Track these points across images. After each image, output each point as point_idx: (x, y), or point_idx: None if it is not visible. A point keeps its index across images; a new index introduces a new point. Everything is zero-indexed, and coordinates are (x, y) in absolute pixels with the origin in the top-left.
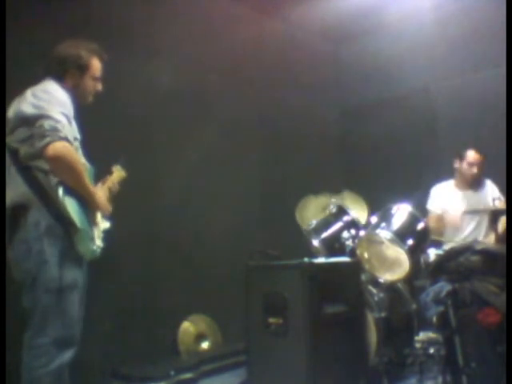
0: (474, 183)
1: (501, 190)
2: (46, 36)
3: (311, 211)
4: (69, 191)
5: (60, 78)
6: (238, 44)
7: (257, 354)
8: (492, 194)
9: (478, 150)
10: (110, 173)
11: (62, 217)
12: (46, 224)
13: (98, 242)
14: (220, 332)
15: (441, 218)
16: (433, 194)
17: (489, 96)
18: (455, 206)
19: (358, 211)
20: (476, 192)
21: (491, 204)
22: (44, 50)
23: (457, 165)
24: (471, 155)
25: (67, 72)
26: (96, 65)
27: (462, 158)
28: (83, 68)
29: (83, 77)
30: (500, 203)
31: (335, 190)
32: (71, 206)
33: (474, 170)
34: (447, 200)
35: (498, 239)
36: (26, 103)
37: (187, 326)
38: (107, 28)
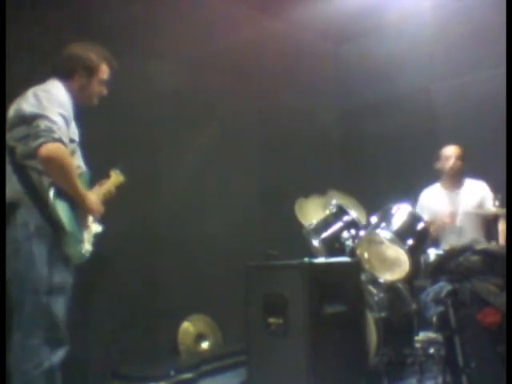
0: (454, 178)
1: (500, 190)
2: (46, 36)
3: (310, 211)
4: (61, 193)
5: (66, 78)
6: (238, 44)
7: (257, 354)
8: (476, 193)
9: (456, 144)
10: (108, 176)
11: (51, 218)
12: (36, 224)
13: (88, 246)
14: (220, 332)
15: (432, 223)
16: (420, 199)
17: (489, 96)
18: (442, 207)
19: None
20: (456, 191)
21: (471, 203)
22: (44, 50)
23: (437, 166)
24: (446, 149)
25: (75, 72)
26: (104, 70)
27: (439, 157)
28: (92, 71)
29: (90, 79)
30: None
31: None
32: (62, 208)
33: (451, 161)
34: (434, 202)
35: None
36: (26, 102)
37: (187, 326)
38: (107, 28)
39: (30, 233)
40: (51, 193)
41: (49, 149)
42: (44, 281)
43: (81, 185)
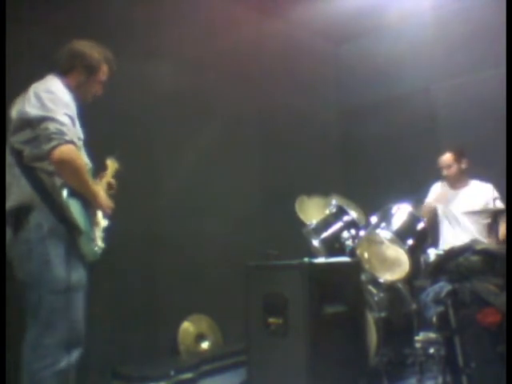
0: (454, 183)
1: (500, 190)
2: (46, 36)
3: (311, 211)
4: (73, 193)
5: (65, 74)
6: (238, 44)
7: (257, 354)
8: (480, 196)
9: (450, 150)
10: (105, 167)
11: (65, 218)
12: (49, 225)
13: (99, 243)
14: (220, 332)
15: (434, 211)
16: (431, 190)
17: (489, 96)
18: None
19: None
20: (458, 190)
21: (474, 204)
22: (44, 50)
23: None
24: (440, 160)
25: (75, 69)
26: (105, 71)
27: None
28: (92, 69)
29: (89, 78)
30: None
31: (333, 191)
32: (75, 208)
33: (445, 172)
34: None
35: (499, 241)
36: (29, 104)
37: (187, 326)
38: (107, 28)
39: (44, 234)
40: (64, 193)
41: (62, 151)
42: (62, 281)
43: (92, 183)
